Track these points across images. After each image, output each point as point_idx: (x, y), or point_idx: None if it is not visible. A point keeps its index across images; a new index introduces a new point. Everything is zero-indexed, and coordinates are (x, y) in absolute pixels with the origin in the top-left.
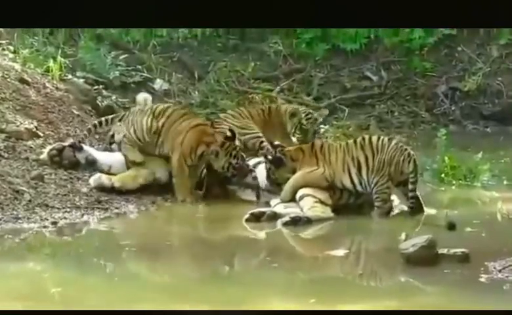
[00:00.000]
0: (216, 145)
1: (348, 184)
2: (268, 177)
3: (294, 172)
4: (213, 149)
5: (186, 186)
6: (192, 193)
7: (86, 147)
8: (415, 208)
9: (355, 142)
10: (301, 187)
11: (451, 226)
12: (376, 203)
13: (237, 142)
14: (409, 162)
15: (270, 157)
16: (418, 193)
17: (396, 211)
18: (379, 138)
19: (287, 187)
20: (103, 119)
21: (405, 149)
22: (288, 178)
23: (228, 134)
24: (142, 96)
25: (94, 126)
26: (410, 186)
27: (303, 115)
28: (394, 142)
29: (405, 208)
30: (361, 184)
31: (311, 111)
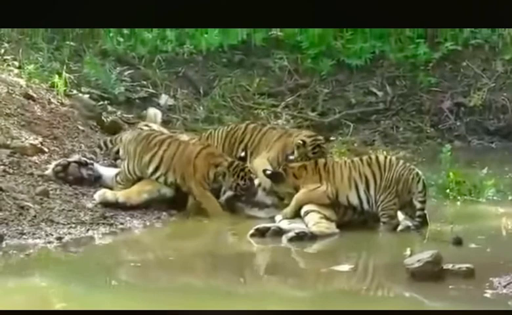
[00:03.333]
0: (222, 166)
1: (355, 201)
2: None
3: (297, 189)
4: (219, 171)
5: (215, 204)
6: (222, 207)
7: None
8: (421, 224)
9: (361, 159)
10: (304, 204)
11: (458, 242)
12: (382, 219)
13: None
14: (418, 182)
15: (269, 172)
16: (426, 211)
17: (400, 227)
18: (385, 157)
19: (290, 204)
20: (108, 139)
21: (413, 169)
22: (289, 193)
23: (242, 154)
24: (152, 111)
25: (99, 147)
26: (419, 205)
27: (310, 148)
28: (401, 161)
29: (410, 224)
30: (368, 202)
31: (319, 142)
